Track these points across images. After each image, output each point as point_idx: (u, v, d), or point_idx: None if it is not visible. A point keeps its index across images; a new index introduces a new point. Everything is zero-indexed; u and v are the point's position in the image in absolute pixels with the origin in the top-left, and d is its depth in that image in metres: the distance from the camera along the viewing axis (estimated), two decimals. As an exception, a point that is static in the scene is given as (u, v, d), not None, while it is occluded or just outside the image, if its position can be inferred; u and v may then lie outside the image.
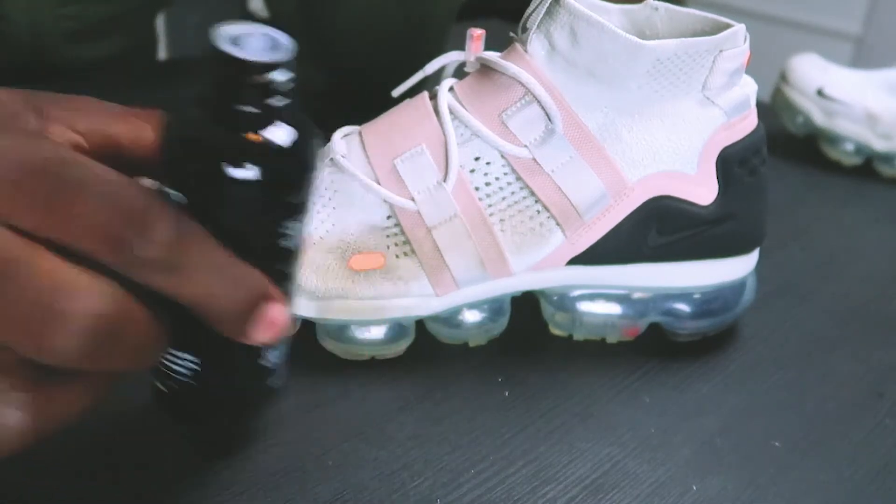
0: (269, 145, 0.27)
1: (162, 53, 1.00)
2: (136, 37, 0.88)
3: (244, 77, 0.26)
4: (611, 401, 0.42)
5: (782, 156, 0.76)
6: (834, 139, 0.73)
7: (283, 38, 0.27)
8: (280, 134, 0.27)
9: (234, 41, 0.26)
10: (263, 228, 0.28)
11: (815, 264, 0.58)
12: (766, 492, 0.37)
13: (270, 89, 0.27)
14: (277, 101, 0.27)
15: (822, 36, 1.93)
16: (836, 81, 0.73)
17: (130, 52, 0.87)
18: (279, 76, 0.27)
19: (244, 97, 0.27)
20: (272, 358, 0.32)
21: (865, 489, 0.38)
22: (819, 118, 0.73)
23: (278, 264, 0.29)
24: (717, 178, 0.43)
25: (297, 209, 0.29)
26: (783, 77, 0.76)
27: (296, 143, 0.27)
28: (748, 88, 0.43)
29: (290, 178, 0.28)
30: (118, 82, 0.78)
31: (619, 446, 0.39)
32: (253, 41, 0.27)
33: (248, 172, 0.26)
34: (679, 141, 0.41)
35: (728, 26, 0.41)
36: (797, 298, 0.53)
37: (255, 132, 0.27)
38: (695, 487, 0.37)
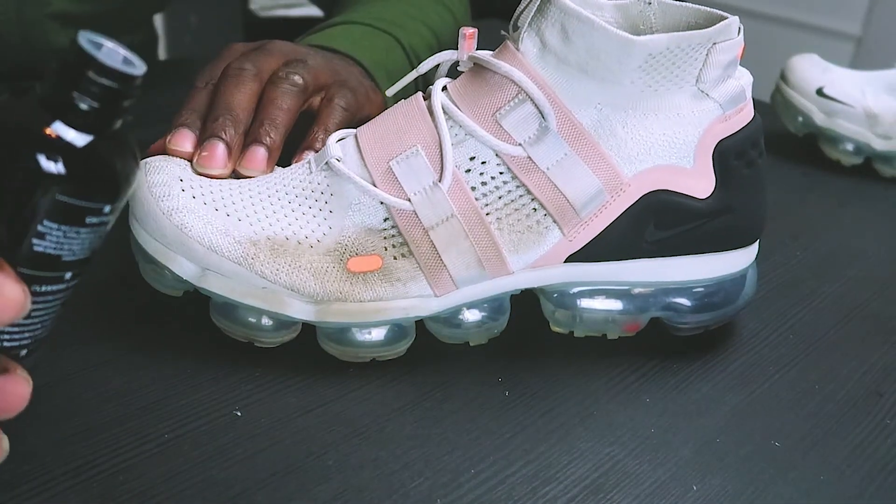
0: (64, 139, 0.28)
1: (162, 54, 1.01)
2: (134, 37, 0.88)
3: (85, 70, 0.28)
4: (611, 401, 0.42)
5: (782, 156, 0.76)
6: (834, 139, 0.73)
7: (138, 62, 0.29)
8: (82, 139, 0.28)
9: (97, 46, 0.28)
10: (17, 214, 0.28)
11: (815, 264, 0.58)
12: (766, 492, 0.37)
13: (103, 93, 0.28)
14: (103, 109, 0.28)
15: (822, 36, 1.93)
16: (836, 81, 0.73)
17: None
18: (113, 83, 0.28)
19: (82, 88, 0.28)
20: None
21: (865, 489, 0.38)
22: (819, 118, 0.73)
23: (23, 263, 0.29)
24: (715, 170, 0.43)
25: (62, 211, 0.29)
26: (783, 77, 0.76)
27: (93, 153, 0.29)
28: (743, 80, 0.43)
29: (70, 180, 0.28)
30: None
31: (619, 446, 0.39)
32: (112, 53, 0.28)
33: (35, 155, 0.28)
34: (674, 135, 0.41)
35: (722, 19, 0.41)
36: (797, 298, 0.53)
37: (69, 125, 0.28)
38: (695, 487, 0.37)
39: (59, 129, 0.28)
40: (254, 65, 0.48)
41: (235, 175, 0.44)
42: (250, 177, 0.44)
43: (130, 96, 0.29)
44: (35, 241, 0.29)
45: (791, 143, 0.77)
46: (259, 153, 0.44)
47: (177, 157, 0.44)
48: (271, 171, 0.45)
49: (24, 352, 0.31)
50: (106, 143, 0.29)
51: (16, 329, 0.30)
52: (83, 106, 0.28)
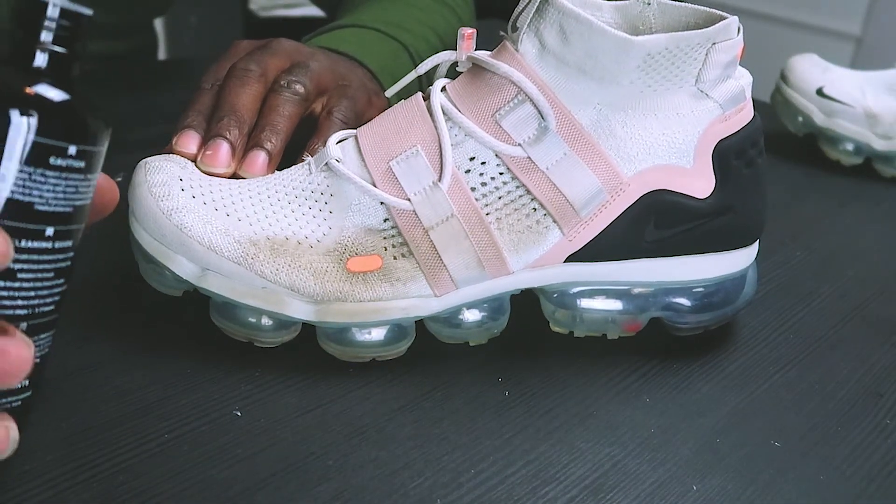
0: (22, 83, 0.30)
1: (162, 54, 1.00)
2: (135, 41, 0.88)
3: (34, 14, 0.30)
4: (611, 401, 0.42)
5: (782, 155, 0.76)
6: (834, 139, 0.74)
7: (83, 8, 0.31)
8: (41, 81, 0.30)
9: None
10: None
11: (815, 264, 0.58)
12: (766, 492, 0.37)
13: (57, 33, 0.30)
14: (58, 48, 0.30)
15: (822, 36, 1.93)
16: (836, 81, 0.73)
17: (130, 55, 0.87)
18: (65, 23, 0.30)
19: (37, 31, 0.30)
20: None
21: (865, 489, 0.38)
22: (819, 118, 0.73)
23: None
24: (714, 170, 0.43)
25: (23, 150, 0.29)
26: (783, 77, 0.76)
27: (49, 92, 0.30)
28: (743, 80, 0.43)
29: (38, 122, 0.29)
30: (118, 83, 0.78)
31: (619, 446, 0.39)
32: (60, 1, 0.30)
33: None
34: (674, 134, 0.41)
35: (722, 19, 0.41)
36: (797, 298, 0.53)
37: (27, 68, 0.30)
38: (695, 487, 0.37)
39: (17, 73, 0.30)
40: (259, 66, 0.49)
41: (235, 177, 0.44)
42: None
43: (82, 37, 0.31)
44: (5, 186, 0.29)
45: (791, 143, 0.77)
46: (260, 157, 0.45)
47: (182, 157, 0.44)
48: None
49: (23, 324, 0.31)
50: (62, 84, 0.30)
51: (5, 293, 0.30)
52: (41, 47, 0.30)
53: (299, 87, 0.49)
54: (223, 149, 0.44)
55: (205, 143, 0.45)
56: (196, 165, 0.44)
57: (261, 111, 0.48)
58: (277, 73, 0.50)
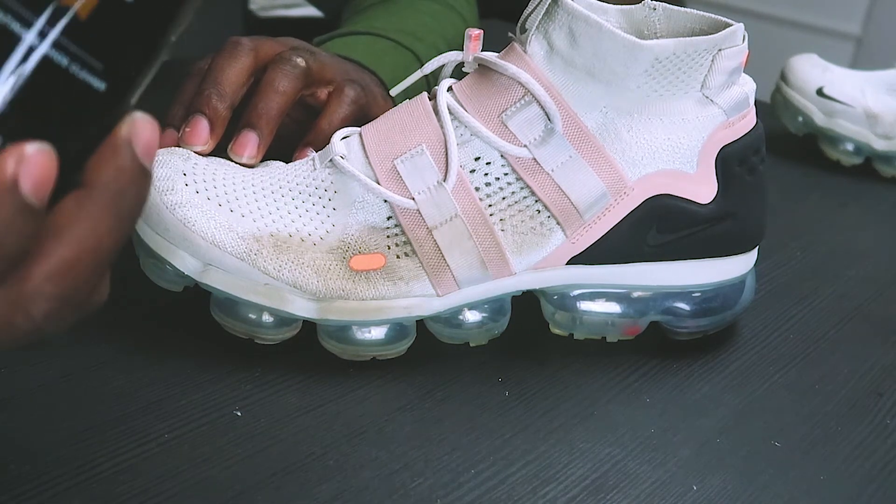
0: None
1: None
2: None
3: None
4: (611, 401, 0.42)
5: (782, 156, 0.76)
6: (834, 139, 0.73)
7: None
8: None
9: None
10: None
11: (815, 264, 0.58)
12: (766, 492, 0.37)
13: None
14: None
15: (822, 36, 1.93)
16: (836, 81, 0.73)
17: None
18: None
19: None
20: None
21: (865, 489, 0.38)
22: (819, 118, 0.73)
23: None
24: (717, 176, 0.43)
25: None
26: (783, 77, 0.76)
27: None
28: (747, 87, 0.43)
29: None
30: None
31: (619, 446, 0.39)
32: None
33: None
34: (678, 140, 0.41)
35: (726, 25, 0.41)
36: (797, 298, 0.53)
37: None
38: (695, 487, 0.37)
39: None
40: (252, 41, 0.47)
41: (227, 160, 0.44)
42: (245, 164, 0.44)
43: None
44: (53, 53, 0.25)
45: (791, 143, 0.77)
46: (251, 139, 0.44)
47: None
48: (261, 157, 0.44)
49: None
50: None
51: None
52: None
53: (299, 61, 0.46)
54: (201, 125, 0.43)
55: (185, 119, 0.44)
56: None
57: (256, 88, 0.46)
58: (274, 53, 0.48)
